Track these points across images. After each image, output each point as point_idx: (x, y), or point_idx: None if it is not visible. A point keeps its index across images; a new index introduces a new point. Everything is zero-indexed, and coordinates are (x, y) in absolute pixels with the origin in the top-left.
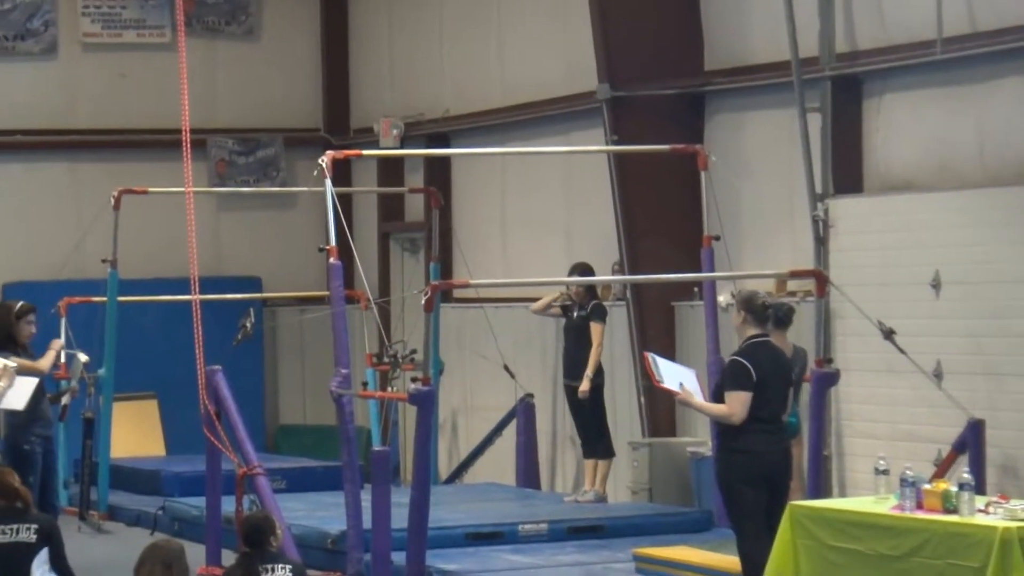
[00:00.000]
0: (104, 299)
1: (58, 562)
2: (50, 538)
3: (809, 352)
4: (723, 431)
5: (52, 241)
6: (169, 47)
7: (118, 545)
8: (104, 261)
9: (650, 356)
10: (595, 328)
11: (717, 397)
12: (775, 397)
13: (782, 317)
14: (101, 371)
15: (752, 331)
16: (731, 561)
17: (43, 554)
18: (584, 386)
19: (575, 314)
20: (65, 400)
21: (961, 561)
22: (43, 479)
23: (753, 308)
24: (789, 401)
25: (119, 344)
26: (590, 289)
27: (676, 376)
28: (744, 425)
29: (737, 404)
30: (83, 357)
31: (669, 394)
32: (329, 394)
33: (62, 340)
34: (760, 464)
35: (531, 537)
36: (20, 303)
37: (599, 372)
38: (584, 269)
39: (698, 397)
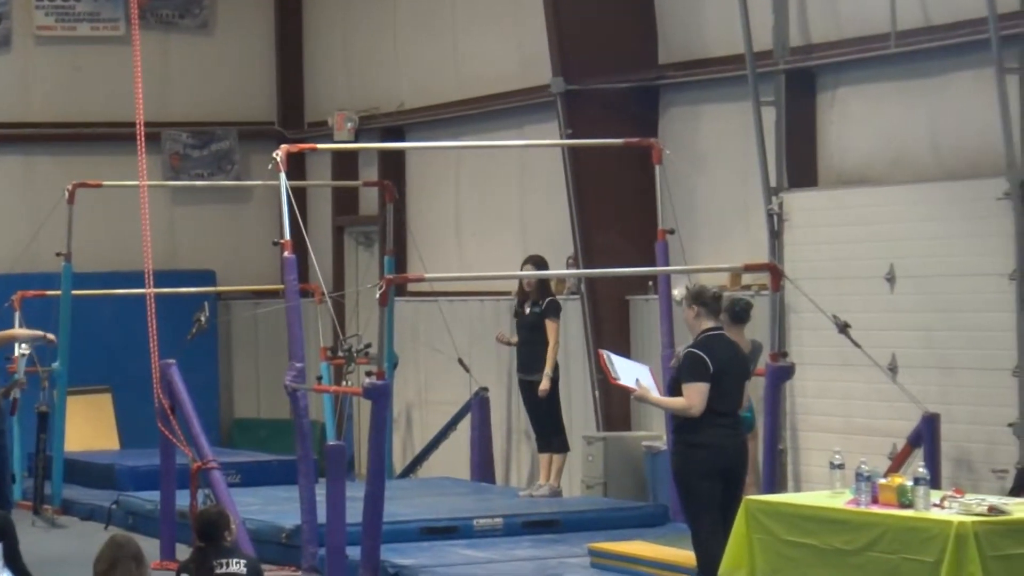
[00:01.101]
0: (58, 293)
1: (12, 559)
2: (3, 534)
3: (764, 346)
4: (680, 425)
5: (6, 234)
6: (123, 40)
7: (72, 539)
8: (58, 255)
9: (605, 353)
10: (551, 326)
11: (673, 391)
12: (731, 390)
13: (739, 312)
14: (55, 365)
15: (706, 324)
16: (686, 555)
17: None
18: (544, 385)
19: (528, 310)
20: (14, 393)
21: (916, 556)
22: None
23: (705, 301)
24: (745, 395)
25: (73, 338)
26: (543, 283)
27: (631, 372)
28: (701, 419)
29: (696, 396)
30: (24, 349)
31: (625, 391)
32: (284, 388)
33: (53, 336)
34: (717, 458)
35: (486, 531)
36: None
37: (554, 367)
38: (537, 261)
39: (654, 392)
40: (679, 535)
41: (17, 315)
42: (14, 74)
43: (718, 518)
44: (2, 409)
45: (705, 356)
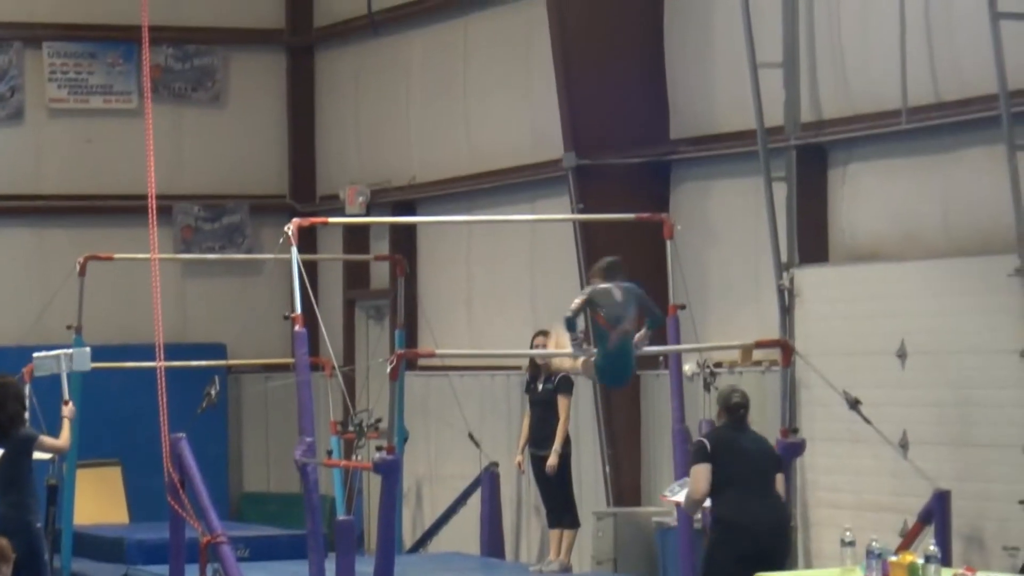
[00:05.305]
0: None
1: None
2: None
3: (775, 422)
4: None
5: (17, 306)
6: (136, 113)
7: None
8: (69, 327)
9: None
10: (562, 402)
11: None
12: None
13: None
14: None
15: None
16: None
17: None
18: (552, 460)
19: (540, 387)
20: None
21: None
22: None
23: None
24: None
25: (83, 410)
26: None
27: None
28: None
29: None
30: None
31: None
32: (294, 462)
33: (72, 407)
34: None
35: None
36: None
37: (566, 442)
38: (548, 335)
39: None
40: None
41: (27, 387)
42: (27, 146)
43: None
44: (37, 495)
45: (704, 439)
